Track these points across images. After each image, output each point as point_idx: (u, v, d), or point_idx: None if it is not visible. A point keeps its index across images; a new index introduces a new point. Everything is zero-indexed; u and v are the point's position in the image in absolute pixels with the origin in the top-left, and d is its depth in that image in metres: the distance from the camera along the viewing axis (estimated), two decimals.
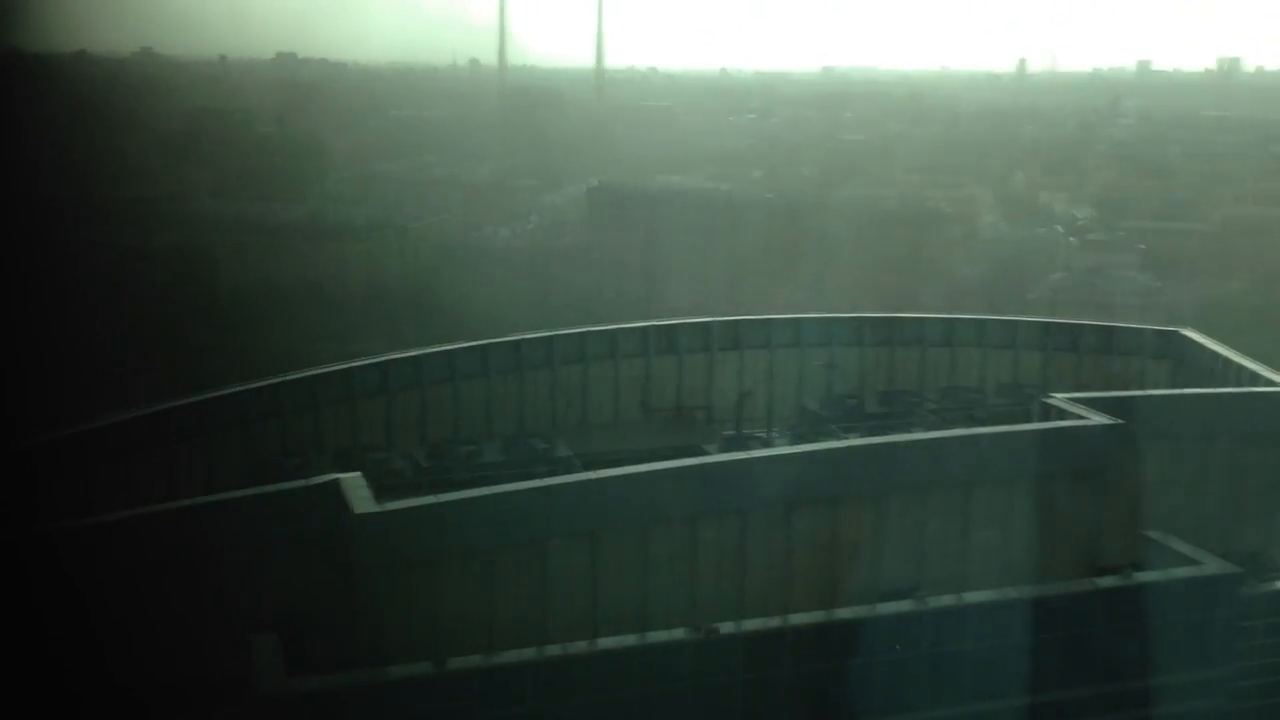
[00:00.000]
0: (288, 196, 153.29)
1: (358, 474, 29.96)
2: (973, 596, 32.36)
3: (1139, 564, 34.31)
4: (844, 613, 31.32)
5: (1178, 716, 33.95)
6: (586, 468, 33.72)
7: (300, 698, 26.45)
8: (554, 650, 28.84)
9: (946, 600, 31.93)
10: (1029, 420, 37.45)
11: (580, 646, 29.05)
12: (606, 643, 29.27)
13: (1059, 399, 36.58)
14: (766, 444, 40.13)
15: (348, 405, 38.70)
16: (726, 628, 30.25)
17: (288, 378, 38.09)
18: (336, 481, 29.39)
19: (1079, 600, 33.00)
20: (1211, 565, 33.88)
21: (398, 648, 27.83)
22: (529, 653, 28.59)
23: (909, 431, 37.89)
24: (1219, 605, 33.89)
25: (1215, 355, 43.47)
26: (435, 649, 27.82)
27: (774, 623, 30.67)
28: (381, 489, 29.93)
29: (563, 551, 30.03)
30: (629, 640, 29.29)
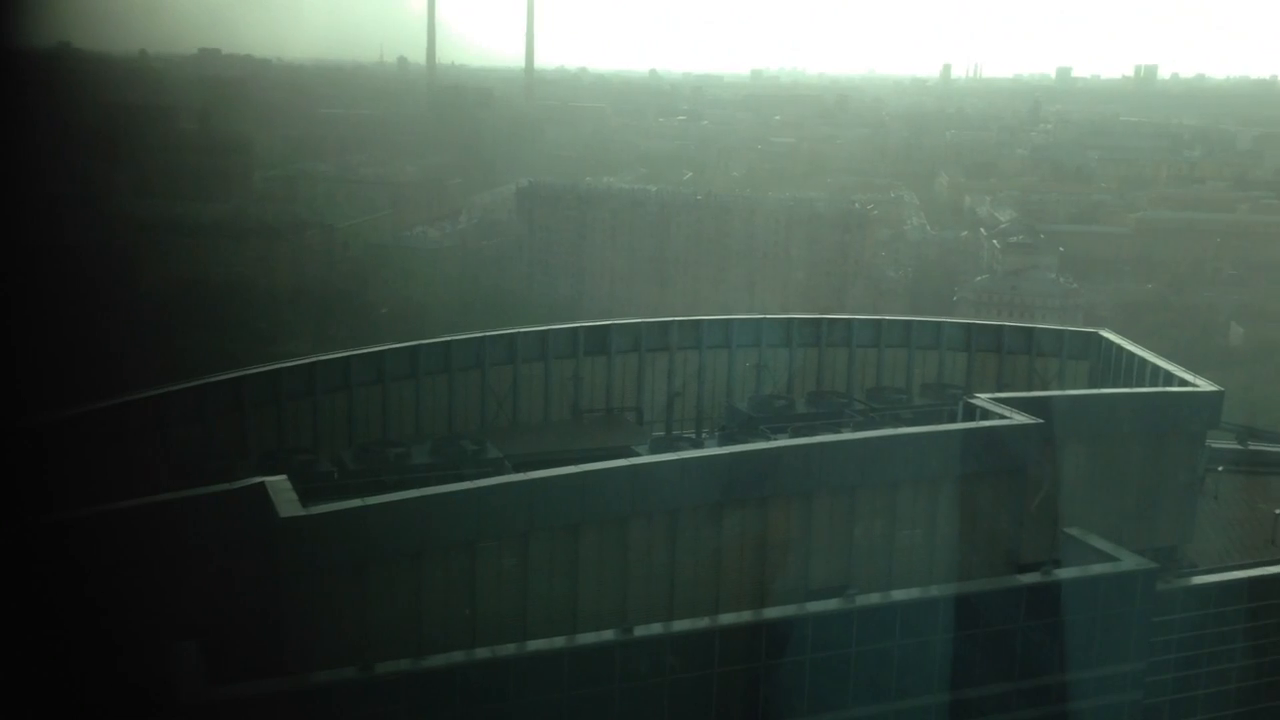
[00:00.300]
0: (212, 195, 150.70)
1: (283, 477, 29.58)
2: (899, 595, 32.83)
3: (1059, 561, 35.06)
4: (773, 612, 31.60)
5: (1095, 710, 34.75)
6: (517, 469, 33.63)
7: (224, 705, 26.05)
8: (483, 653, 28.71)
9: (874, 599, 32.35)
10: (953, 420, 38.07)
11: (510, 649, 28.97)
12: (536, 645, 29.23)
13: (982, 399, 37.23)
14: (696, 445, 40.32)
15: (273, 407, 38.15)
16: (656, 628, 30.37)
17: (211, 380, 37.45)
18: (262, 485, 28.99)
19: (1001, 597, 33.61)
20: (1128, 561, 34.71)
21: (325, 653, 27.52)
22: (458, 656, 28.44)
23: (837, 432, 38.31)
24: (1135, 600, 34.74)
25: (1132, 355, 44.55)
26: (363, 653, 27.57)
27: (703, 623, 30.85)
28: (308, 492, 29.58)
29: (492, 554, 29.93)
30: (559, 642, 29.27)
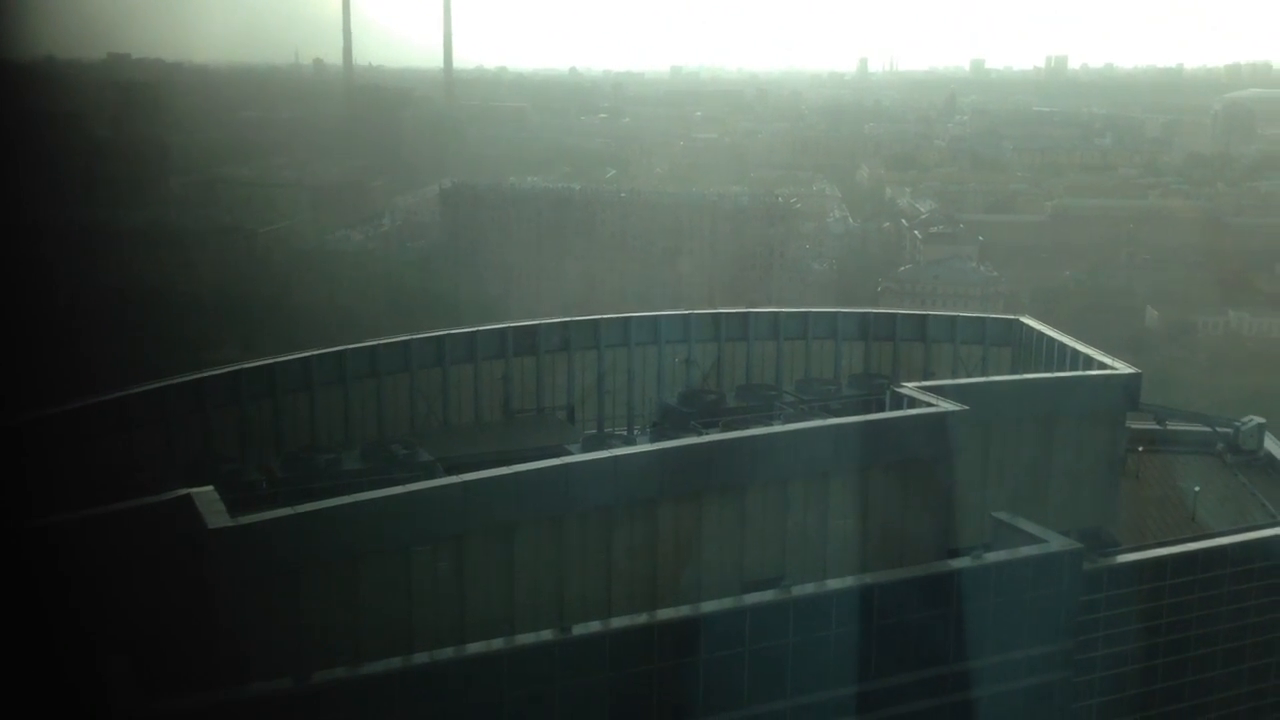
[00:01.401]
0: (128, 202, 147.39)
1: (210, 488, 29.05)
2: (833, 584, 33.17)
3: (988, 545, 35.68)
4: (710, 606, 31.74)
5: (1026, 690, 35.43)
6: (449, 472, 33.38)
7: (160, 718, 25.54)
8: (421, 658, 28.48)
9: (808, 589, 32.64)
10: (882, 409, 38.55)
11: (447, 653, 28.75)
12: (474, 647, 29.05)
13: (909, 388, 37.74)
14: (629, 442, 40.35)
15: (199, 416, 37.46)
16: (594, 627, 30.35)
17: (134, 390, 36.66)
18: (188, 496, 28.45)
19: (933, 583, 34.11)
20: (1055, 543, 35.43)
21: (259, 664, 27.10)
22: (395, 662, 28.18)
23: (768, 425, 38.59)
24: (1063, 581, 35.48)
25: (1051, 340, 45.46)
26: (298, 663, 27.18)
27: (641, 619, 30.90)
28: (236, 502, 29.09)
29: (427, 558, 29.69)
30: (497, 644, 29.13)
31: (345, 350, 41.53)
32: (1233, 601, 39.43)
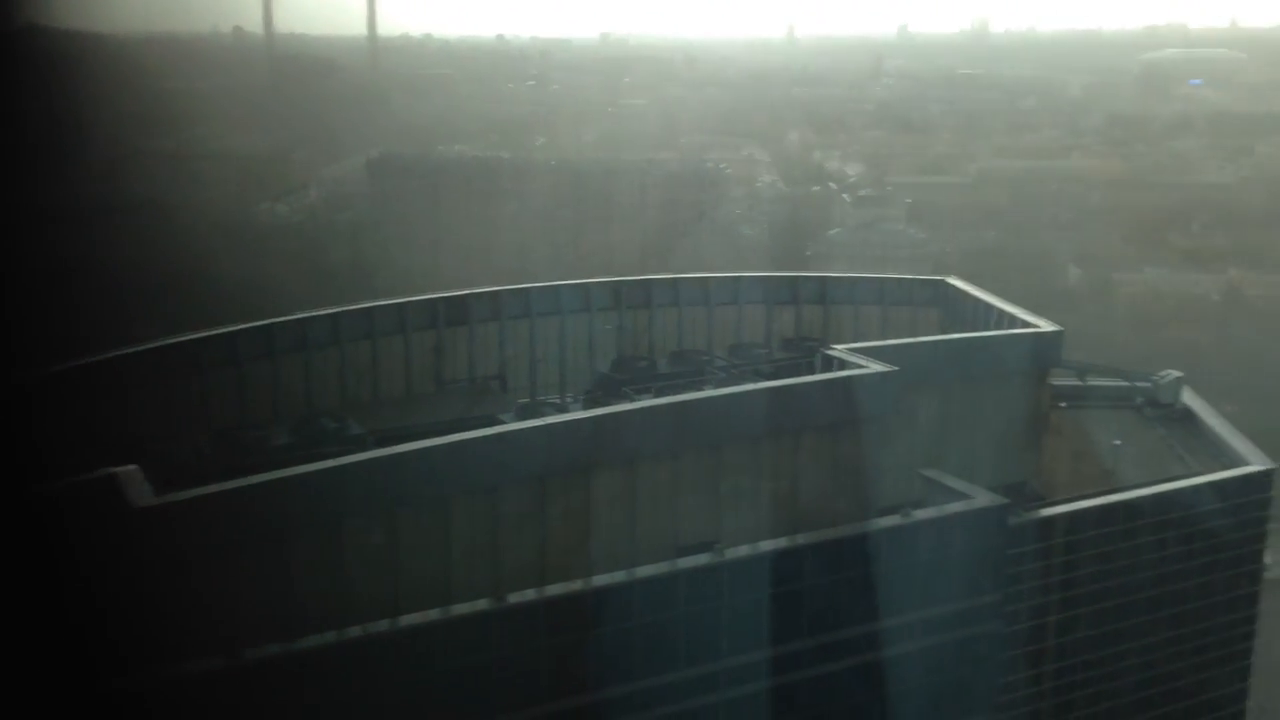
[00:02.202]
0: (43, 177, 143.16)
1: (134, 466, 28.57)
2: (767, 546, 33.56)
3: (918, 502, 36.31)
4: (645, 570, 31.96)
5: (957, 642, 36.22)
6: (381, 444, 33.15)
7: (90, 701, 25.19)
8: (355, 631, 28.37)
9: (743, 551, 32.99)
10: (813, 372, 38.94)
11: (383, 625, 28.67)
12: (409, 619, 28.99)
13: (839, 350, 38.16)
14: (562, 409, 40.37)
15: (120, 395, 36.74)
16: (530, 596, 30.42)
17: (54, 369, 35.83)
18: (113, 475, 27.96)
19: (865, 541, 34.66)
20: (982, 498, 36.16)
21: (191, 642, 26.80)
22: (329, 636, 28.04)
23: (700, 390, 38.82)
24: (990, 535, 36.24)
25: (977, 301, 46.19)
26: (231, 641, 26.94)
27: (576, 587, 31.04)
28: (162, 480, 28.65)
29: (361, 531, 29.51)
30: (433, 615, 29.10)
31: (273, 324, 40.95)
32: (1152, 551, 40.57)
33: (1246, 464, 42.92)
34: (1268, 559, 44.63)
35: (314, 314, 42.28)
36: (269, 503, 28.55)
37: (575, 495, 32.38)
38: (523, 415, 37.42)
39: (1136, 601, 40.86)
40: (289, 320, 41.53)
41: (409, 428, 35.11)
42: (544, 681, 30.15)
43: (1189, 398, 49.19)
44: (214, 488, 28.35)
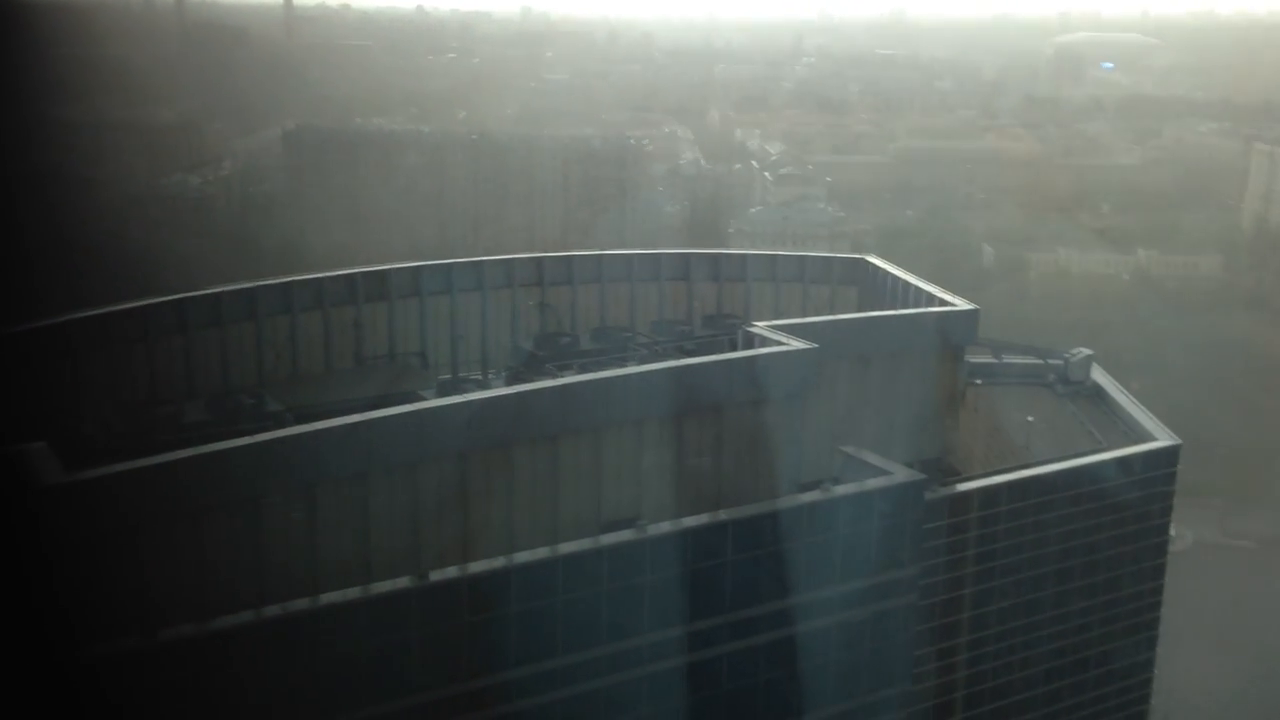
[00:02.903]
0: None
1: (42, 443, 27.78)
2: (689, 522, 33.75)
3: (836, 478, 36.78)
4: (568, 547, 31.97)
5: (875, 616, 36.83)
6: (299, 421, 32.63)
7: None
8: (274, 611, 27.98)
9: (664, 527, 33.14)
10: (734, 349, 39.15)
11: (302, 604, 28.31)
12: (330, 597, 28.67)
13: (760, 327, 38.40)
14: (484, 386, 40.10)
15: (28, 370, 35.66)
16: (452, 573, 30.25)
17: None
18: (19, 451, 27.16)
19: (785, 516, 35.02)
20: (899, 474, 36.73)
21: (103, 623, 26.21)
22: (247, 616, 27.62)
23: (623, 366, 38.82)
24: (907, 510, 36.85)
25: (895, 279, 46.78)
26: (144, 622, 26.41)
27: (499, 563, 30.94)
28: (72, 457, 27.90)
29: (279, 508, 29.06)
30: (353, 593, 28.80)
31: (186, 299, 40.02)
32: (1062, 524, 41.66)
33: (1153, 439, 44.22)
34: (1173, 531, 46.11)
35: (229, 288, 41.40)
36: (184, 480, 27.96)
37: (497, 472, 32.21)
38: (444, 392, 37.09)
39: (1048, 574, 41.95)
40: (202, 295, 40.61)
41: (328, 404, 34.61)
42: (466, 659, 30.05)
43: (1098, 375, 50.47)
44: (126, 465, 27.66)
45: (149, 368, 38.47)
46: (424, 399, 35.41)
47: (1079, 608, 43.12)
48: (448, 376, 42.34)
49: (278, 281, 42.51)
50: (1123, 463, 42.62)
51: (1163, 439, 44.02)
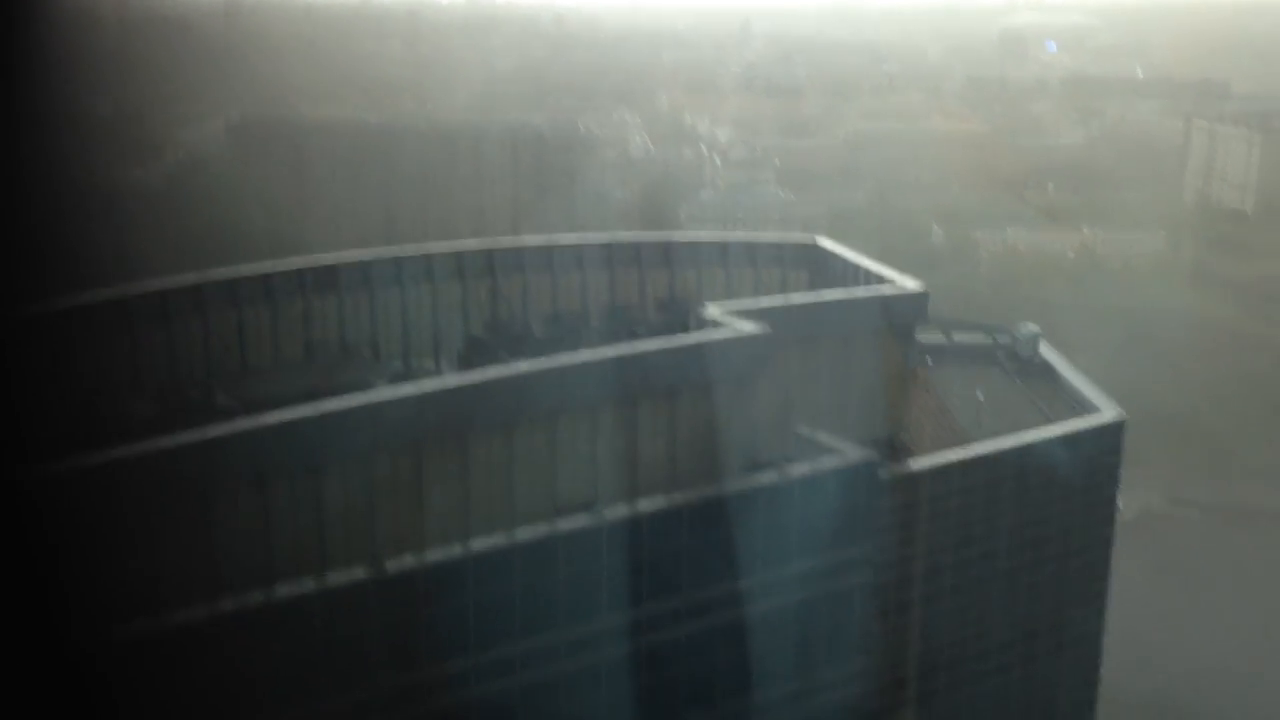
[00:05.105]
0: None
1: None
2: (645, 505, 33.87)
3: (790, 458, 37.03)
4: (524, 533, 31.98)
5: (829, 595, 37.21)
6: (249, 414, 32.31)
7: None
8: (228, 604, 27.76)
9: (620, 511, 33.24)
10: (687, 333, 39.24)
11: (257, 597, 28.12)
12: (284, 591, 28.50)
13: (712, 311, 38.52)
14: (436, 374, 39.94)
15: None
16: (409, 562, 30.18)
17: None
18: None
19: (740, 498, 35.25)
20: (853, 454, 37.06)
21: (50, 622, 25.84)
22: (201, 610, 27.38)
23: (576, 352, 38.77)
24: (861, 489, 37.22)
25: (846, 261, 47.08)
26: (91, 619, 26.06)
27: (454, 552, 30.90)
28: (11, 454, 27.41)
29: (229, 501, 28.81)
30: (308, 585, 28.64)
31: (130, 294, 39.47)
32: (1012, 500, 42.24)
33: (1099, 413, 44.87)
34: (1120, 503, 46.88)
35: (175, 283, 40.87)
36: (132, 477, 27.63)
37: (452, 461, 32.12)
38: (396, 382, 36.90)
39: (999, 548, 42.52)
40: (148, 289, 40.06)
41: (278, 397, 34.30)
42: (423, 648, 30.00)
43: (1046, 351, 51.12)
44: (72, 461, 27.25)
45: (93, 364, 37.90)
46: (376, 389, 35.19)
47: (1030, 581, 43.76)
48: (399, 366, 42.10)
49: (224, 274, 42.04)
50: (1070, 438, 43.24)
51: (1109, 413, 44.70)
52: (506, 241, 50.06)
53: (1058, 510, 43.40)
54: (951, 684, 42.78)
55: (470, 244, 49.19)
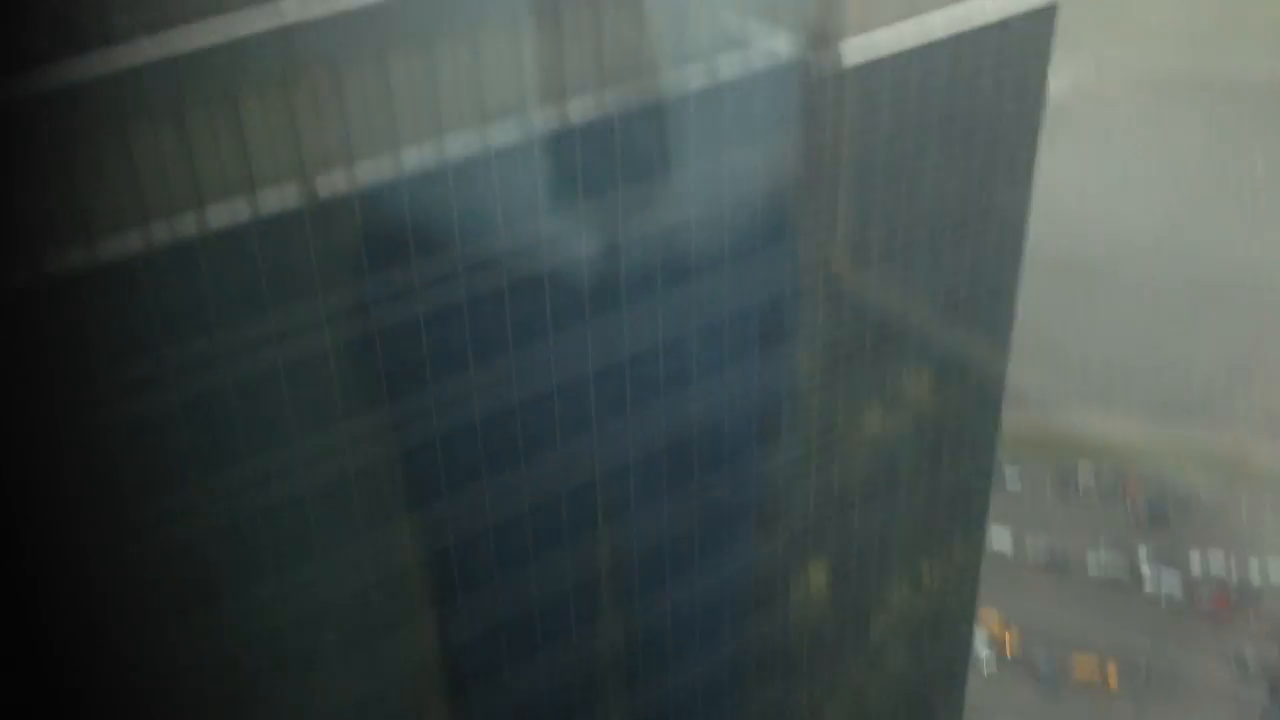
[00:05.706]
0: None
1: None
2: (573, 115, 33.28)
3: (720, 53, 35.97)
4: (453, 147, 31.48)
5: (765, 191, 37.55)
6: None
7: None
8: (163, 234, 27.35)
9: (550, 119, 32.67)
10: None
11: (190, 225, 27.66)
12: (214, 219, 28.05)
13: None
14: None
15: None
16: (339, 184, 29.71)
17: None
18: None
19: (670, 103, 34.76)
20: (784, 48, 36.05)
21: None
22: (134, 239, 27.02)
23: None
24: (792, 86, 36.56)
25: None
26: (22, 252, 25.75)
27: (386, 174, 30.53)
28: None
29: (148, 130, 27.66)
30: (240, 213, 28.23)
31: None
32: (943, 91, 42.18)
33: None
34: (1051, 85, 46.88)
35: None
36: (51, 109, 26.33)
37: (373, 80, 30.76)
38: None
39: (930, 143, 42.97)
40: None
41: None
42: (365, 276, 30.34)
43: None
44: None
45: None
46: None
47: (961, 168, 44.64)
48: None
49: None
50: (1001, 25, 42.51)
51: None
52: None
53: (987, 100, 43.50)
54: (883, 260, 44.38)
55: None
